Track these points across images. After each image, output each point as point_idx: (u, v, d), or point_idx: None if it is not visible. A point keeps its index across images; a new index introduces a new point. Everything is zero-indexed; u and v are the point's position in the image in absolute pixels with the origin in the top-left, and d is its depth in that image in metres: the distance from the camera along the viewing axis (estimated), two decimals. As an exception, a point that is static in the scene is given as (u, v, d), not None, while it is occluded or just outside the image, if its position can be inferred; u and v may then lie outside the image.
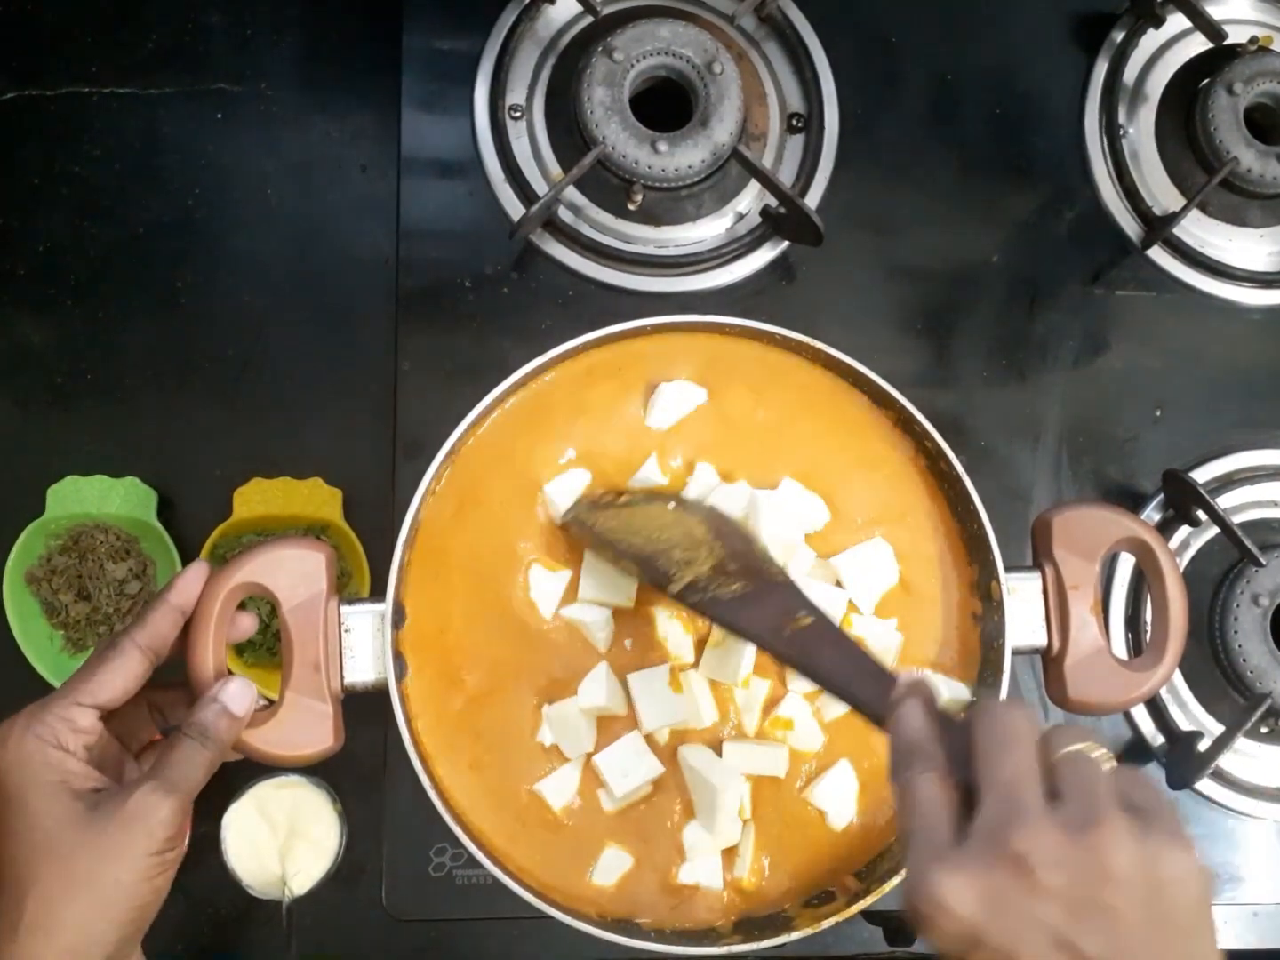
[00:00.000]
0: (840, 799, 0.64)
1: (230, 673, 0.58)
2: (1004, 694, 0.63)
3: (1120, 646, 0.86)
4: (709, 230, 0.90)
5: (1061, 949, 0.41)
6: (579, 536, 0.64)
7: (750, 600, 0.57)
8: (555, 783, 0.63)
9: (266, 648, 0.84)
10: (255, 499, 0.85)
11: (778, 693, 0.65)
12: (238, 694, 0.56)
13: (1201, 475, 0.88)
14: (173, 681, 0.59)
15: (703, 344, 0.69)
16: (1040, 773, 0.44)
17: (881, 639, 0.65)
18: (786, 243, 0.89)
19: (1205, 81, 0.93)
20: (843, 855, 0.64)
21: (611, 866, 0.63)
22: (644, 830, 0.64)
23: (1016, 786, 0.44)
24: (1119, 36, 0.96)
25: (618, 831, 0.63)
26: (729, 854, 0.64)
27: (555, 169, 0.88)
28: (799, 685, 0.65)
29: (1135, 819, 0.43)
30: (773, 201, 0.88)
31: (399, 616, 0.62)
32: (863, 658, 0.53)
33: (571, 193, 0.88)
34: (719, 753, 0.64)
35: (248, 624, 0.60)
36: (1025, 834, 0.42)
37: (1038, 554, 0.65)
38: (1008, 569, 0.64)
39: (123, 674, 0.55)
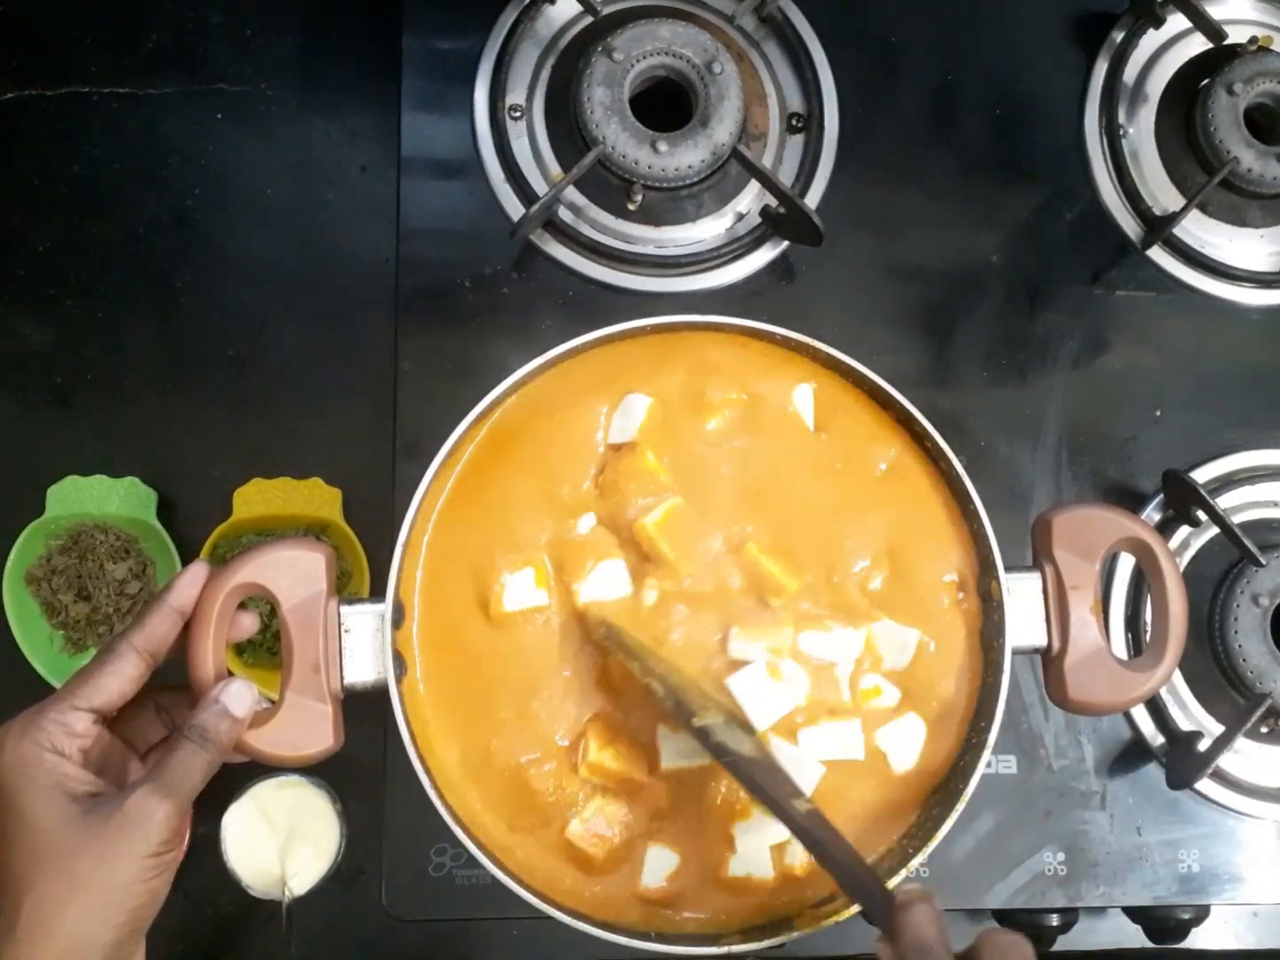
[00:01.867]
0: (906, 747, 0.65)
1: (231, 674, 0.58)
2: (1004, 694, 0.63)
3: (1120, 647, 0.86)
4: (709, 230, 0.90)
5: None
6: (609, 644, 0.63)
7: (761, 765, 0.58)
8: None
9: (266, 648, 0.84)
10: (255, 499, 0.85)
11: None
12: (238, 695, 0.56)
13: (1201, 475, 0.88)
14: (180, 683, 0.59)
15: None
16: None
17: (897, 638, 0.66)
18: (786, 243, 0.89)
19: (1205, 82, 0.93)
20: (897, 816, 0.65)
21: (657, 866, 0.63)
22: (685, 826, 0.64)
23: None
24: (1119, 36, 0.96)
25: (654, 830, 0.63)
26: (779, 845, 0.64)
27: (555, 169, 0.88)
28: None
29: None
30: (773, 201, 0.88)
31: (399, 616, 0.62)
32: (860, 859, 0.55)
33: (571, 193, 0.88)
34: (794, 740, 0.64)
35: (249, 623, 0.60)
36: None
37: (1037, 554, 0.65)
38: (1008, 569, 0.64)
39: (118, 677, 0.55)
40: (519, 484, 0.66)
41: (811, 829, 0.54)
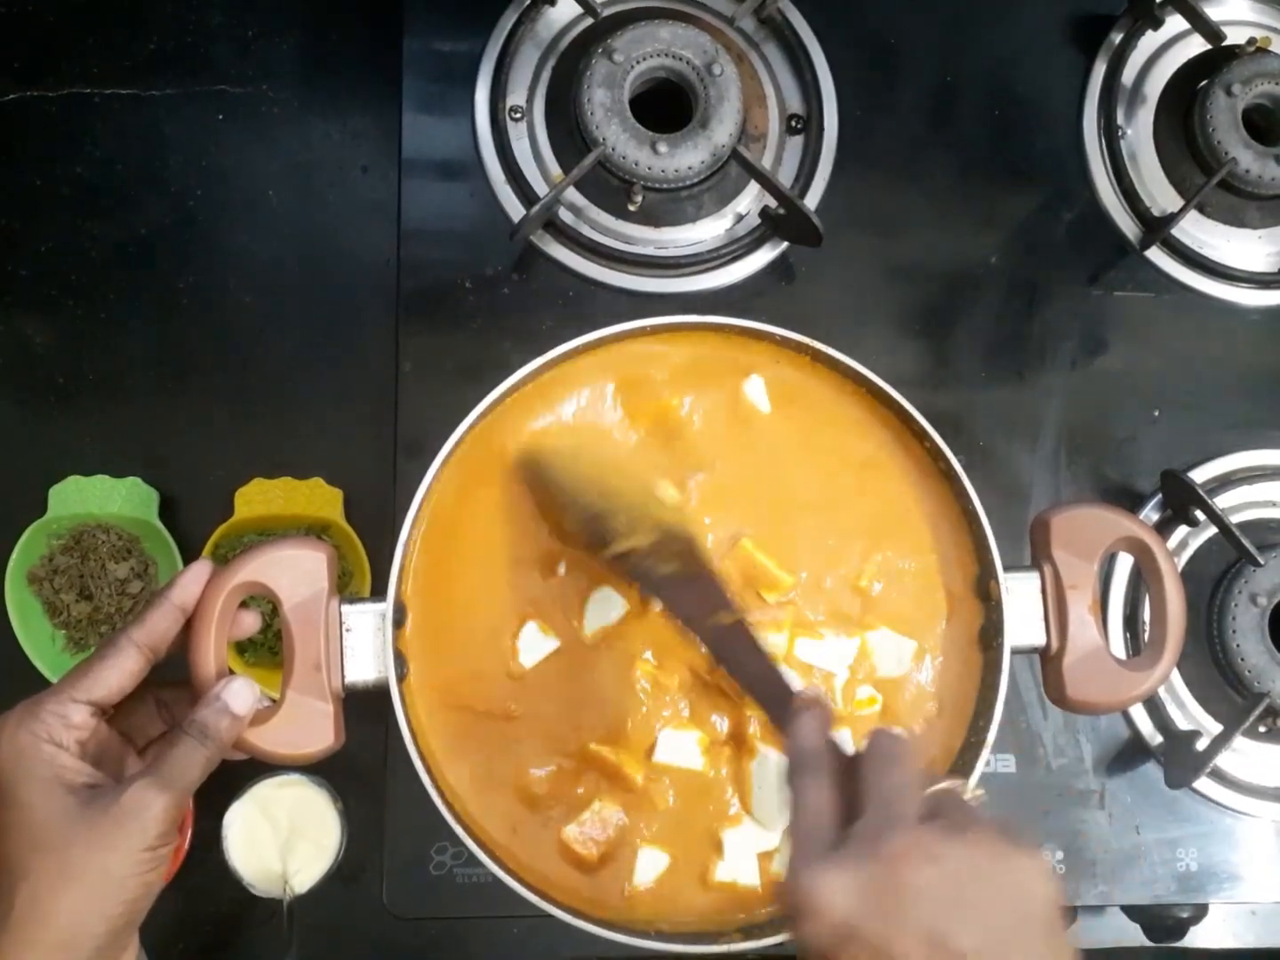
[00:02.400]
0: None
1: (232, 672, 0.58)
2: (1003, 694, 0.64)
3: (1119, 646, 0.87)
4: (709, 231, 0.90)
5: (934, 944, 0.44)
6: (527, 479, 0.64)
7: (681, 582, 0.59)
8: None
9: (268, 647, 0.84)
10: (257, 499, 0.85)
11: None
12: (239, 693, 0.56)
13: (1200, 475, 0.89)
14: (181, 678, 0.59)
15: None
16: (917, 791, 0.49)
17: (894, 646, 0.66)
18: (786, 244, 0.90)
19: (1204, 83, 0.93)
20: None
21: (648, 867, 0.63)
22: (678, 830, 0.64)
23: (896, 798, 0.48)
24: (1117, 38, 0.96)
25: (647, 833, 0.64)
26: (766, 853, 0.64)
27: (555, 170, 0.89)
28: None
29: (1001, 833, 0.47)
30: (772, 202, 0.88)
31: (400, 615, 0.62)
32: (772, 667, 0.57)
33: (572, 194, 0.88)
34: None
35: (251, 621, 0.61)
36: (901, 836, 0.46)
37: (1036, 554, 0.65)
38: (1006, 568, 0.64)
39: (118, 671, 0.55)
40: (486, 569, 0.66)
41: (722, 640, 0.57)
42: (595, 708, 0.64)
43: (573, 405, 0.68)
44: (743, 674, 0.57)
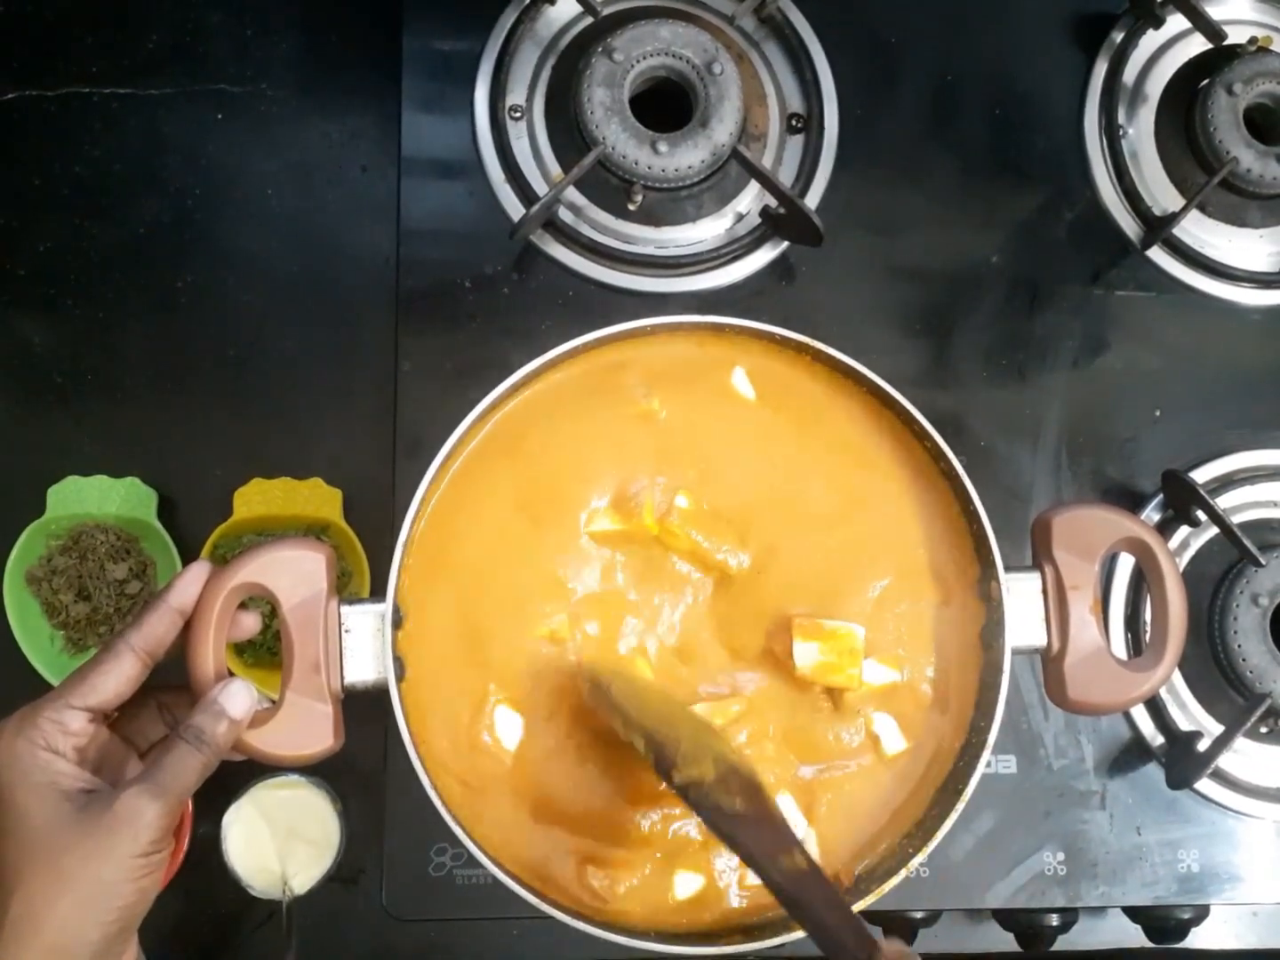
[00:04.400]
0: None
1: (231, 674, 0.58)
2: (1004, 695, 0.63)
3: (1120, 646, 0.86)
4: (709, 231, 0.90)
5: None
6: (591, 696, 0.62)
7: (749, 821, 0.56)
8: None
9: (267, 648, 0.84)
10: (255, 499, 0.85)
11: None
12: (236, 697, 0.56)
13: (1201, 475, 0.88)
14: (183, 682, 0.59)
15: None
16: None
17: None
18: (786, 243, 0.89)
19: (1205, 82, 0.93)
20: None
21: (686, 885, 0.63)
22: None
23: None
24: (1119, 37, 0.96)
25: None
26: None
27: (555, 169, 0.89)
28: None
29: None
30: (772, 202, 0.88)
31: (399, 616, 0.62)
32: (849, 915, 0.53)
33: (571, 193, 0.88)
34: None
35: (251, 623, 0.60)
36: None
37: (1037, 554, 0.65)
38: (1007, 569, 0.64)
39: (115, 676, 0.54)
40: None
41: (789, 888, 0.53)
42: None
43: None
44: (815, 924, 0.53)
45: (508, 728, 0.64)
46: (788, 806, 0.64)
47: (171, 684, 0.59)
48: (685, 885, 0.63)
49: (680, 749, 0.57)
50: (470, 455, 0.66)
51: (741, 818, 0.55)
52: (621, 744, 0.60)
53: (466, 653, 0.64)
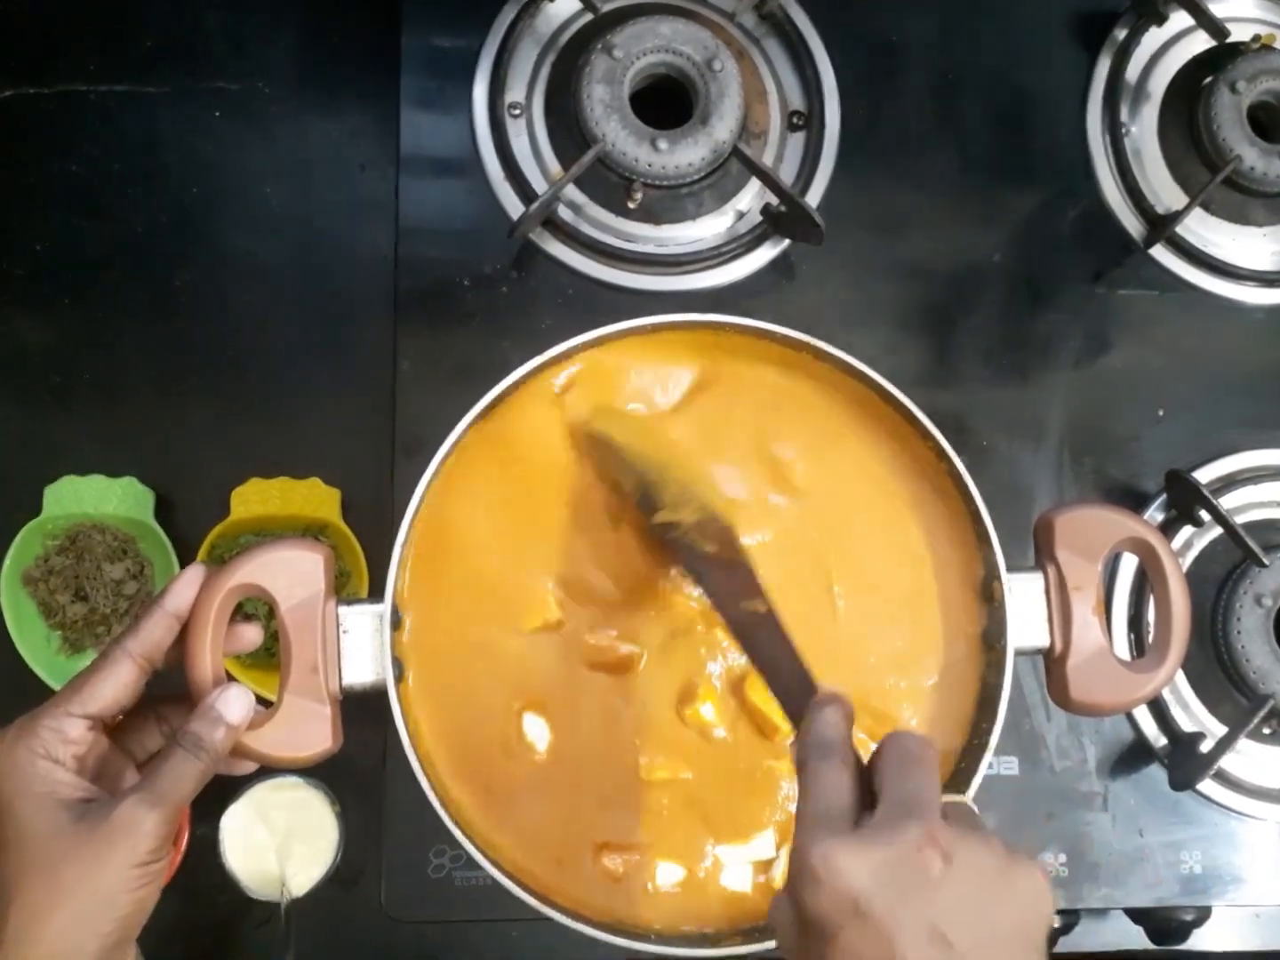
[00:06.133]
0: None
1: (230, 676, 0.58)
2: (1006, 696, 0.63)
3: (1123, 647, 0.86)
4: (709, 229, 0.89)
5: (934, 935, 0.43)
6: (588, 446, 0.65)
7: (718, 564, 0.60)
8: None
9: (265, 649, 0.84)
10: (253, 499, 0.84)
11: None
12: (233, 702, 0.56)
13: (1204, 475, 0.88)
14: (182, 692, 0.58)
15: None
16: (938, 792, 0.48)
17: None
18: (787, 241, 0.89)
19: (1208, 80, 0.93)
20: None
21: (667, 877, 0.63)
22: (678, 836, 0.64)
23: (917, 795, 0.47)
24: (1121, 34, 0.95)
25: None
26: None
27: (555, 167, 0.88)
28: None
29: (1010, 845, 0.47)
30: (773, 200, 0.87)
31: (397, 617, 0.62)
32: (797, 660, 0.56)
33: (571, 191, 0.87)
34: None
35: (253, 636, 0.60)
36: (926, 825, 0.45)
37: (1040, 554, 0.65)
38: (1010, 569, 0.64)
39: (113, 683, 0.54)
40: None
41: (749, 627, 0.57)
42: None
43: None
44: (766, 663, 0.57)
45: (536, 731, 0.64)
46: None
47: (170, 694, 0.58)
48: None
49: (668, 492, 0.62)
50: (470, 455, 0.66)
51: (713, 559, 0.60)
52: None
53: (476, 660, 0.64)
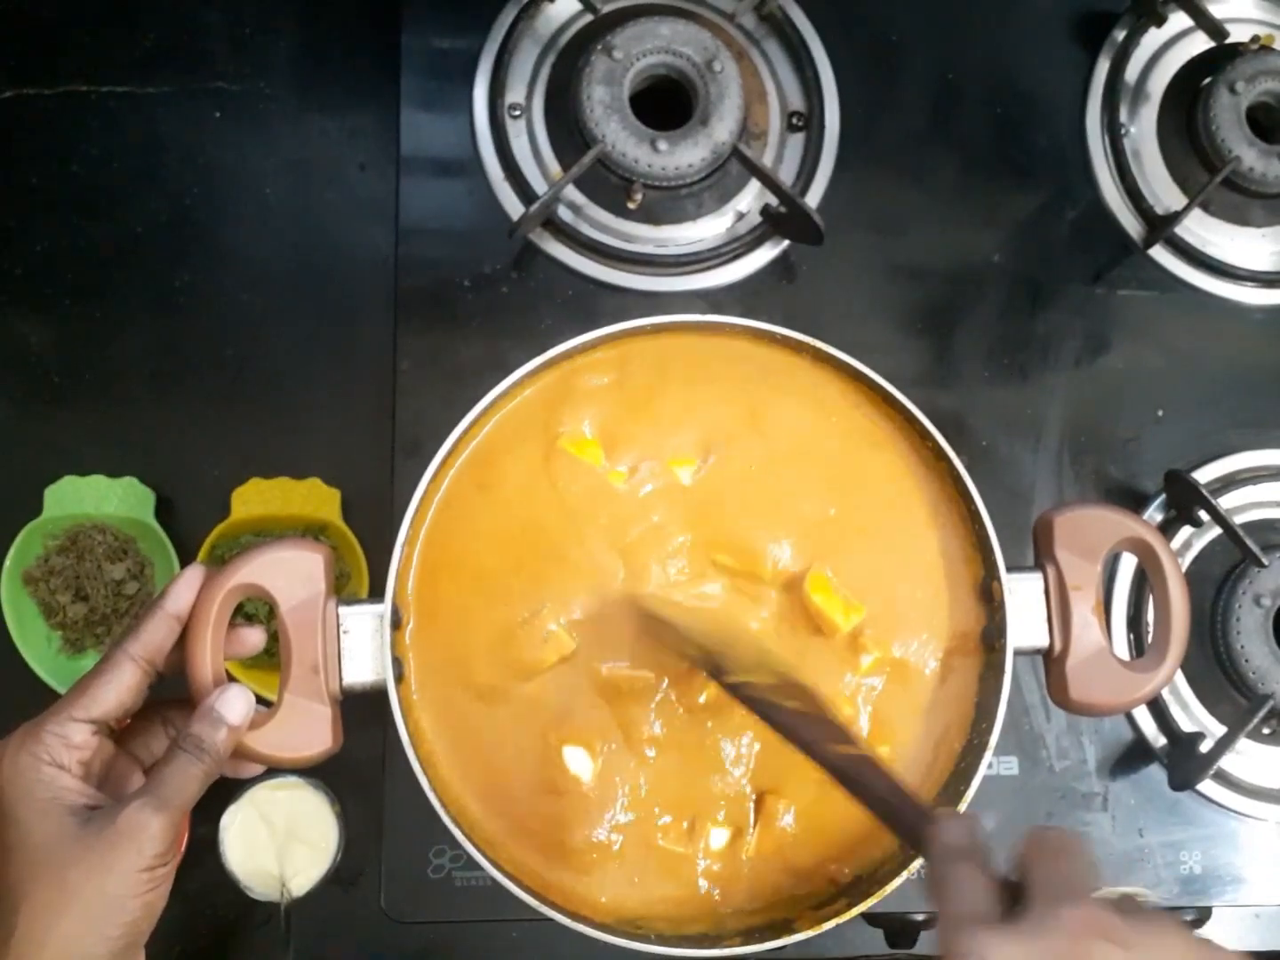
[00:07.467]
0: None
1: (230, 677, 0.58)
2: (1005, 695, 0.63)
3: (1122, 647, 0.86)
4: (709, 229, 0.89)
5: None
6: (644, 622, 0.63)
7: (802, 717, 0.57)
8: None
9: (266, 650, 0.83)
10: (253, 499, 0.85)
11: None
12: (234, 703, 0.56)
13: (1203, 475, 0.88)
14: (187, 697, 0.58)
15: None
16: (1093, 881, 0.45)
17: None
18: (787, 242, 0.89)
19: (1207, 80, 0.93)
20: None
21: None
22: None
23: (1070, 885, 0.44)
24: (1120, 35, 0.95)
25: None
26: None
27: (555, 168, 0.88)
28: None
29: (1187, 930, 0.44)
30: (773, 200, 0.87)
31: (398, 617, 0.62)
32: (905, 793, 0.54)
33: (571, 191, 0.87)
34: None
35: (256, 639, 0.60)
36: (1083, 913, 0.43)
37: (1039, 554, 0.65)
38: (1009, 569, 0.64)
39: (116, 686, 0.54)
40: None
41: (845, 770, 0.54)
42: None
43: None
44: (875, 803, 0.54)
45: (578, 763, 0.63)
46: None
47: (176, 699, 0.58)
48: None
49: (738, 662, 0.59)
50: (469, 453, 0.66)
51: (796, 713, 0.57)
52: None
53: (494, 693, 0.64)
